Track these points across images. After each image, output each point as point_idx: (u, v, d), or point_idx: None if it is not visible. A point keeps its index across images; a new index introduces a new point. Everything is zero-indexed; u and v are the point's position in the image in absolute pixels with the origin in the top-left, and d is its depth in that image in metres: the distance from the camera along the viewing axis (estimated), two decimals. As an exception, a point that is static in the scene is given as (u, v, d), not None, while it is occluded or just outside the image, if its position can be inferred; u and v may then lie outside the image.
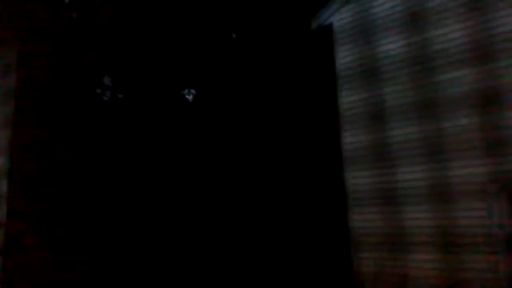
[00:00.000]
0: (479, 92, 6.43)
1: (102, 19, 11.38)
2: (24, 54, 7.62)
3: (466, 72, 6.59)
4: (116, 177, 11.19)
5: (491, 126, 6.17)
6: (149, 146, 12.21)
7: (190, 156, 12.34)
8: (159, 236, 11.46)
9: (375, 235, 7.11)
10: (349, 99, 8.13)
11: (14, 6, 6.81)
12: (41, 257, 8.14)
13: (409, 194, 6.77)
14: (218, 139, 12.45)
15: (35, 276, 7.87)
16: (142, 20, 12.33)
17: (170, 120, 12.49)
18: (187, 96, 12.63)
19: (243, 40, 12.63)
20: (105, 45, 11.80)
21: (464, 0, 6.85)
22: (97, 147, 10.86)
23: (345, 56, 8.79)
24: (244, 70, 12.64)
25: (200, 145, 12.41)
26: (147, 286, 10.78)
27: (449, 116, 6.60)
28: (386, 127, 7.36)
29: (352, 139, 7.85)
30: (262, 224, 11.65)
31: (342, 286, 10.09)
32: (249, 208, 11.88)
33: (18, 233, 7.67)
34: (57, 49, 9.35)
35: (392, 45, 7.76)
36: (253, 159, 12.20)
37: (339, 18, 9.22)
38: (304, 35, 12.14)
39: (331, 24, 9.57)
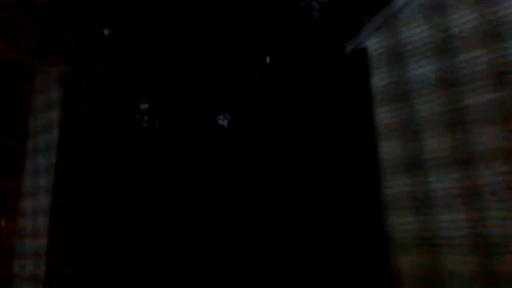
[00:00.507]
0: (506, 111, 6.34)
1: (140, 49, 11.72)
2: (67, 88, 7.90)
3: (494, 95, 6.60)
4: (154, 203, 11.34)
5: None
6: (185, 171, 12.33)
7: (227, 180, 12.35)
8: (196, 259, 11.45)
9: (413, 238, 7.38)
10: (384, 115, 8.44)
11: (57, 39, 7.10)
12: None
13: (444, 199, 6.93)
14: (254, 163, 12.39)
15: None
16: (178, 48, 12.61)
17: (206, 146, 12.58)
18: (222, 122, 12.70)
19: (278, 65, 12.60)
20: (142, 72, 12.13)
21: (490, 26, 6.87)
22: (135, 174, 11.07)
23: (380, 79, 9.09)
24: (279, 94, 12.58)
25: (237, 169, 12.39)
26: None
27: (479, 131, 6.68)
28: (420, 140, 7.72)
29: (389, 150, 8.25)
30: (304, 230, 11.44)
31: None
32: (291, 221, 11.67)
33: (58, 264, 7.88)
34: (97, 79, 9.69)
35: (423, 68, 7.97)
36: (291, 177, 12.03)
37: (373, 42, 9.33)
38: (338, 59, 11.96)
39: (365, 48, 9.64)
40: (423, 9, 8.18)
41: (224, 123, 12.85)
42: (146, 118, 13.26)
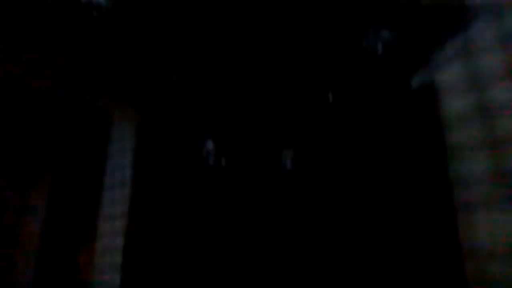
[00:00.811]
0: None
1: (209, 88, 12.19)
2: (140, 133, 8.27)
3: None
4: (221, 242, 11.42)
5: None
6: (250, 209, 12.36)
7: (293, 220, 12.19)
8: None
9: (490, 245, 6.94)
10: (460, 136, 8.24)
11: (131, 85, 7.57)
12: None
13: None
14: (319, 203, 12.17)
15: None
16: (244, 88, 12.95)
17: (271, 183, 12.58)
18: (286, 161, 12.70)
19: (342, 101, 12.52)
20: (210, 111, 12.55)
21: None
22: (204, 212, 11.26)
23: (451, 107, 8.95)
24: (345, 131, 12.43)
25: (302, 208, 12.22)
26: None
27: None
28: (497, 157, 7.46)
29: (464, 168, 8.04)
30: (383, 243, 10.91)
31: None
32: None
33: None
34: (167, 122, 10.15)
35: (497, 95, 7.70)
36: (362, 218, 11.63)
37: (442, 75, 9.15)
38: (406, 93, 11.68)
39: (433, 81, 9.48)
40: (494, 40, 7.93)
41: (288, 161, 12.85)
42: (211, 156, 13.61)
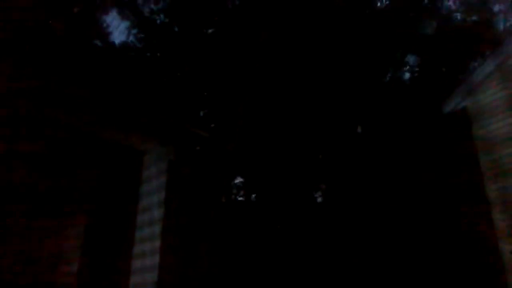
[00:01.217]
0: None
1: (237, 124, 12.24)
2: (171, 170, 8.21)
3: None
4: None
5: None
6: (282, 246, 12.12)
7: (327, 255, 11.87)
8: None
9: None
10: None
11: (161, 123, 7.62)
12: None
13: None
14: (353, 236, 11.85)
15: None
16: (271, 126, 12.98)
17: (302, 220, 12.35)
18: (316, 196, 12.52)
19: (371, 133, 12.38)
20: (238, 147, 12.57)
21: None
22: (236, 249, 11.09)
23: (482, 132, 8.88)
24: (377, 163, 12.20)
25: (336, 243, 11.91)
26: None
27: None
28: None
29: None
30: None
31: None
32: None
33: None
34: (197, 159, 10.18)
35: None
36: (397, 250, 11.24)
37: (472, 100, 8.99)
38: (437, 121, 11.47)
39: (464, 107, 9.30)
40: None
41: (320, 196, 12.65)
42: (241, 192, 13.53)
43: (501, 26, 13.05)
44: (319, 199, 12.99)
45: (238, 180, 13.31)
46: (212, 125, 12.28)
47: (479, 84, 8.73)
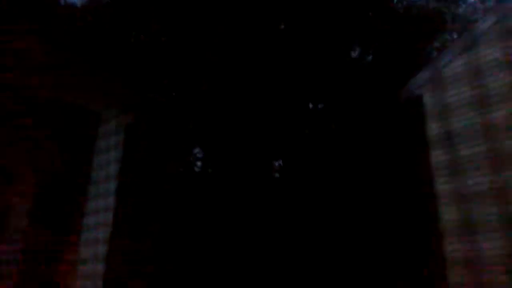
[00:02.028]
0: None
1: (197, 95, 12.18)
2: (128, 134, 8.24)
3: None
4: (204, 247, 11.32)
5: None
6: (235, 217, 12.31)
7: (279, 227, 12.17)
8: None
9: (468, 262, 7.17)
10: (439, 158, 8.55)
11: (118, 90, 7.55)
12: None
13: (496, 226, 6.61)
14: (304, 209, 12.19)
15: None
16: (232, 96, 12.99)
17: (257, 192, 12.57)
18: (274, 167, 12.72)
19: (331, 112, 12.65)
20: (198, 119, 12.52)
21: None
22: (187, 218, 11.16)
23: (435, 123, 9.20)
24: (333, 140, 12.52)
25: (288, 216, 12.22)
26: None
27: None
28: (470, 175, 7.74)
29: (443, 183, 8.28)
30: (360, 258, 10.93)
31: None
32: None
33: None
34: (155, 123, 10.09)
35: (473, 117, 8.03)
36: (345, 224, 11.67)
37: (429, 88, 9.33)
38: (394, 106, 11.86)
39: (421, 95, 9.63)
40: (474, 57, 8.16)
41: (276, 170, 12.86)
42: (199, 163, 13.55)
43: (461, 15, 13.52)
44: (277, 175, 13.22)
45: (198, 151, 13.32)
46: (174, 94, 12.17)
47: (437, 73, 9.03)
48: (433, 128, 8.79)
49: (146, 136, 9.10)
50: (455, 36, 13.02)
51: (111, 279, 7.27)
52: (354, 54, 12.54)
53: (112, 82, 7.48)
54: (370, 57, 12.28)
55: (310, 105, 12.37)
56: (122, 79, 7.88)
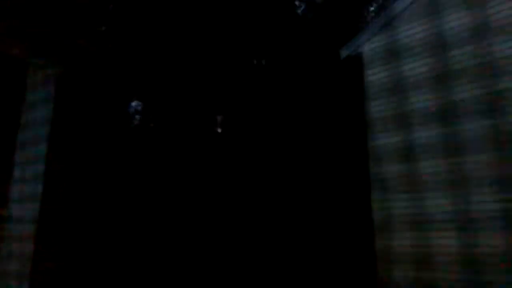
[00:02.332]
0: (493, 105, 6.44)
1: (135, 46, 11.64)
2: (62, 81, 7.79)
3: (482, 90, 6.74)
4: (145, 202, 11.25)
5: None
6: (176, 171, 12.26)
7: (220, 180, 12.29)
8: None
9: (402, 254, 7.46)
10: (377, 109, 8.70)
11: (51, 39, 7.05)
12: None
13: (432, 184, 7.05)
14: (245, 166, 12.35)
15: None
16: (173, 46, 12.57)
17: (199, 145, 12.52)
18: (215, 125, 12.65)
19: (273, 68, 12.61)
20: (136, 70, 12.06)
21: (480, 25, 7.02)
22: (127, 173, 10.96)
23: (373, 78, 9.46)
24: (273, 95, 12.58)
25: (230, 169, 12.34)
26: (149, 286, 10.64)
27: (467, 123, 6.86)
28: (411, 131, 7.94)
29: (380, 140, 8.40)
30: (289, 241, 11.40)
31: None
32: (275, 223, 11.63)
33: (44, 267, 7.73)
34: (90, 74, 9.60)
35: (416, 65, 8.24)
36: (285, 175, 12.00)
37: (368, 47, 9.47)
38: (334, 62, 12.00)
39: (360, 53, 9.79)
40: (419, 13, 8.33)
41: (218, 124, 12.82)
42: (138, 116, 13.19)
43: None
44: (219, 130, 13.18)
45: (136, 104, 12.91)
46: (110, 45, 11.52)
47: (376, 32, 9.15)
48: (372, 84, 9.01)
49: (79, 88, 8.65)
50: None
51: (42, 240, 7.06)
52: (299, 10, 12.43)
53: (38, 26, 6.96)
54: (312, 14, 12.22)
55: (254, 62, 12.25)
56: (49, 24, 7.35)
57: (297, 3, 12.51)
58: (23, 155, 7.62)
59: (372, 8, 12.53)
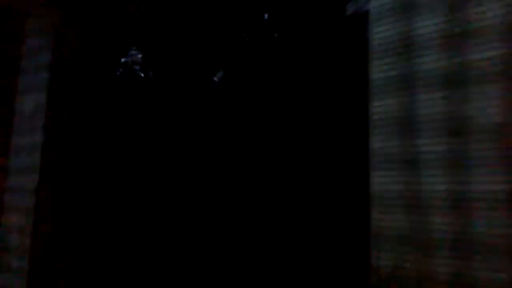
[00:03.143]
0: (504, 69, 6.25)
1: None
2: (59, 31, 7.56)
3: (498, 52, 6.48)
4: (139, 160, 11.28)
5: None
6: (173, 130, 12.23)
7: (213, 144, 12.29)
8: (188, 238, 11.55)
9: (397, 235, 7.39)
10: (381, 68, 8.29)
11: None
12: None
13: (433, 198, 6.88)
14: (242, 127, 12.32)
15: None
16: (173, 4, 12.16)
17: (196, 103, 12.41)
18: (214, 79, 12.48)
19: (276, 24, 12.28)
20: (136, 21, 11.72)
21: None
22: (124, 127, 10.91)
23: (379, 34, 9.04)
24: (276, 52, 12.35)
25: (223, 134, 12.33)
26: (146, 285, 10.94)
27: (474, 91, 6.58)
28: (414, 95, 7.65)
29: (382, 106, 8.11)
30: (284, 221, 11.59)
31: (360, 282, 10.01)
32: (270, 204, 11.79)
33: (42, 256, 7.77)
34: (88, 23, 9.33)
35: (426, 23, 7.88)
36: (278, 149, 12.03)
37: (375, 4, 9.19)
38: (340, 20, 11.68)
39: (367, 11, 9.49)
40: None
41: (217, 79, 12.65)
42: (138, 67, 12.97)
43: None
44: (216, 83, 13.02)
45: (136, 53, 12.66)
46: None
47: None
48: (377, 43, 8.77)
49: (78, 37, 8.42)
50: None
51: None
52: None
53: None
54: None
55: (256, 16, 11.89)
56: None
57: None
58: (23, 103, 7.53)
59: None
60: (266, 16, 12.25)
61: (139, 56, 12.61)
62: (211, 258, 11.53)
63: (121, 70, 11.95)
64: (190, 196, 11.96)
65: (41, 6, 6.86)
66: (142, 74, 12.56)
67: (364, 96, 11.37)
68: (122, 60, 12.13)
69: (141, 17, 11.96)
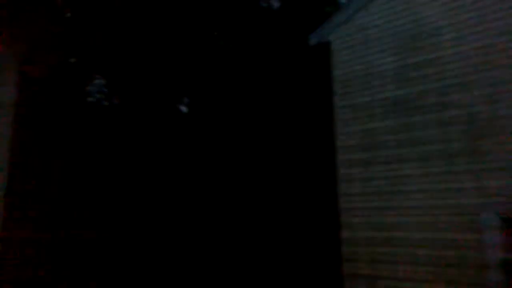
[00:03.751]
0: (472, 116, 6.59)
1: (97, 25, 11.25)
2: (24, 67, 7.51)
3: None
4: (112, 182, 11.05)
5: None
6: (143, 152, 12.09)
7: (186, 163, 12.21)
8: (155, 240, 11.30)
9: (366, 241, 7.53)
10: (343, 102, 8.57)
11: (15, 19, 6.75)
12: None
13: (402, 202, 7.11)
14: (211, 147, 12.32)
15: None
16: (139, 27, 12.24)
17: (164, 128, 12.35)
18: (181, 106, 12.50)
19: (242, 52, 12.52)
20: (101, 47, 11.67)
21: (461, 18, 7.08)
22: (92, 153, 10.71)
23: (342, 67, 9.43)
24: (240, 77, 12.52)
25: (195, 152, 12.27)
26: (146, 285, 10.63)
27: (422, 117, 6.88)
28: (374, 121, 7.84)
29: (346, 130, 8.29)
30: (257, 228, 11.54)
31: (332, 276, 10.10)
32: (244, 211, 11.74)
33: (17, 241, 7.57)
34: (53, 55, 9.23)
35: (383, 60, 8.26)
36: (245, 167, 12.07)
37: (337, 36, 9.49)
38: (302, 50, 12.04)
39: (329, 41, 9.80)
40: (388, 4, 8.38)
41: (183, 107, 12.67)
42: (101, 95, 12.84)
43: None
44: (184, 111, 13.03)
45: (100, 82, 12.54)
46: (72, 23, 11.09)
47: (345, 20, 9.14)
48: (338, 73, 9.04)
49: (40, 70, 8.34)
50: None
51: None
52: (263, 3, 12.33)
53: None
54: (279, 4, 12.17)
55: (221, 43, 12.10)
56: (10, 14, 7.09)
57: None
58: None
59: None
60: (230, 46, 12.48)
61: (103, 84, 12.52)
62: (186, 260, 11.29)
63: (86, 98, 11.80)
64: (145, 219, 11.74)
65: (3, 44, 6.83)
66: (107, 103, 12.43)
67: (328, 120, 11.65)
68: (87, 89, 11.99)
69: (106, 46, 11.93)
